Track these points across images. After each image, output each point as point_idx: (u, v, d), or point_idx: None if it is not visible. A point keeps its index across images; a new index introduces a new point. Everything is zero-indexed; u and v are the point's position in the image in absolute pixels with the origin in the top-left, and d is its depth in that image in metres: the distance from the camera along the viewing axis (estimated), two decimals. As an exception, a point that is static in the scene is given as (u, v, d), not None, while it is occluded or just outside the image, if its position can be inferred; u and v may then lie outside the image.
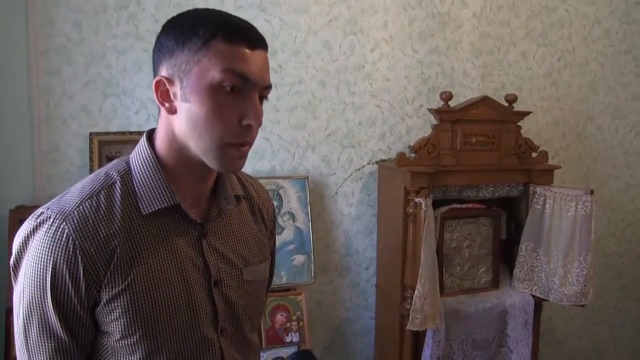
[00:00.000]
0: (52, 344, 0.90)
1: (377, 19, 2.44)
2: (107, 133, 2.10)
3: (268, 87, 0.96)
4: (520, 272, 2.32)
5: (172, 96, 0.92)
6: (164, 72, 0.92)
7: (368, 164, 2.49)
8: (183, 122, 0.92)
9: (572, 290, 2.19)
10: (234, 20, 0.92)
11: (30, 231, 0.90)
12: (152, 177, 0.96)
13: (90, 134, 2.08)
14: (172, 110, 0.93)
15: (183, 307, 0.95)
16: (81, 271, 0.88)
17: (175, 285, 0.95)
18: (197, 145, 0.92)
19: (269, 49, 0.97)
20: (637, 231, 3.17)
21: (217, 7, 0.99)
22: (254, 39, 0.92)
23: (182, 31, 0.90)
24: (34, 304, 0.89)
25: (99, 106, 2.10)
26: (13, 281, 0.94)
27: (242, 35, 0.90)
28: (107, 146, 2.10)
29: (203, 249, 1.00)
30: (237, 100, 0.90)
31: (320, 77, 2.37)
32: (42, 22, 2.00)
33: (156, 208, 0.95)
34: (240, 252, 1.07)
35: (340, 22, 2.38)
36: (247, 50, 0.90)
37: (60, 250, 0.87)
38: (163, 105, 0.93)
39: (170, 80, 0.91)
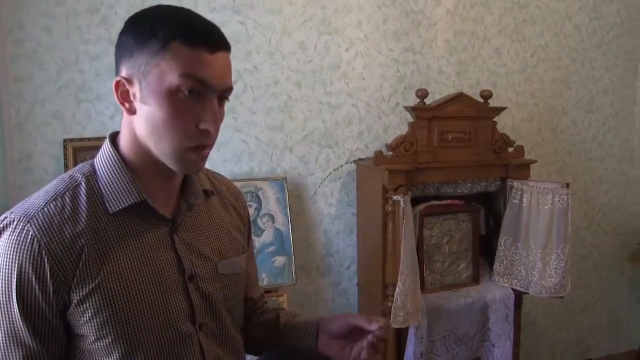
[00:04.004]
0: (20, 353, 0.87)
1: (351, 18, 2.44)
2: (81, 139, 2.07)
3: (229, 90, 0.95)
4: (500, 266, 2.34)
5: (131, 97, 0.92)
6: (123, 72, 0.91)
7: (346, 163, 2.49)
8: (142, 124, 0.92)
9: (551, 282, 2.22)
10: (196, 22, 0.91)
11: None
12: (117, 175, 0.95)
13: (65, 140, 2.05)
14: (132, 111, 0.93)
15: (157, 304, 0.94)
16: (48, 273, 0.86)
17: (147, 282, 0.94)
18: (157, 148, 0.93)
19: (244, 51, 0.98)
20: (612, 222, 3.23)
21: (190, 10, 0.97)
22: (214, 42, 0.90)
23: (142, 31, 0.89)
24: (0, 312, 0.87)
25: (72, 112, 2.07)
26: None
27: (202, 38, 0.89)
28: (83, 152, 2.07)
29: (175, 244, 1.00)
30: (195, 104, 0.90)
31: (296, 78, 2.37)
32: (11, 27, 1.96)
33: (123, 206, 0.94)
34: (214, 246, 1.07)
35: (314, 22, 2.38)
36: (208, 54, 0.89)
37: (25, 252, 0.85)
38: (123, 105, 0.93)
39: (130, 81, 0.91)
